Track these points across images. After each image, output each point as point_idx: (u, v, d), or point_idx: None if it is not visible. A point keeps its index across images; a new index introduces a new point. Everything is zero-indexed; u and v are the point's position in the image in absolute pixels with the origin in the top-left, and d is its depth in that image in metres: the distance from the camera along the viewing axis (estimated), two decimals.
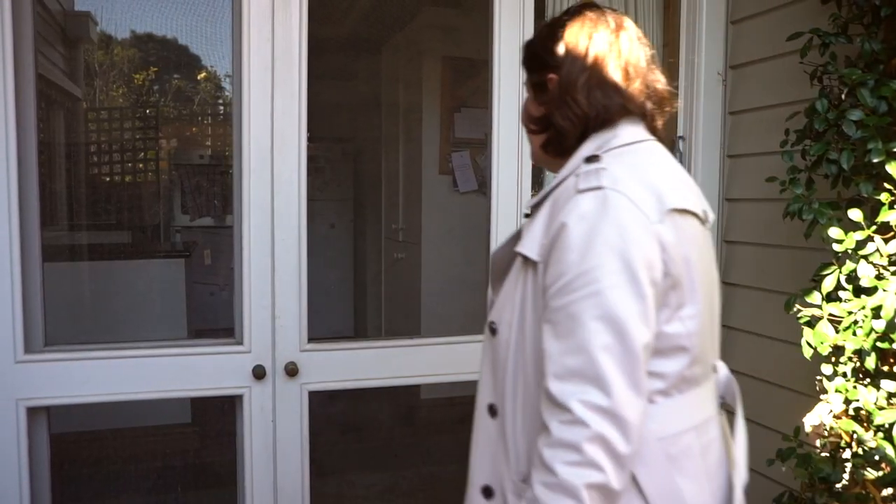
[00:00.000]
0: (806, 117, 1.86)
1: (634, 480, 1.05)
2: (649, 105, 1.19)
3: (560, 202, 1.09)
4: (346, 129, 7.00)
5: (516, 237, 1.18)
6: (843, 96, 1.78)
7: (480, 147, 4.74)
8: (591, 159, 1.11)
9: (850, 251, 1.70)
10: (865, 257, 1.69)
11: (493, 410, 1.18)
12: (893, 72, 1.76)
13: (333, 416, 4.01)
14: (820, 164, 1.80)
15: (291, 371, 1.99)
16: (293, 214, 1.99)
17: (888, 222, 1.66)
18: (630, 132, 1.16)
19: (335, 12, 6.10)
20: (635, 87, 1.17)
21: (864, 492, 1.67)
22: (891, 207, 1.65)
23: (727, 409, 1.26)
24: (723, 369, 1.25)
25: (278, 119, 1.97)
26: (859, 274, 1.68)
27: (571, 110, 1.15)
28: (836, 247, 1.72)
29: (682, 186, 1.15)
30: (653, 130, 1.20)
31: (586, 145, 1.15)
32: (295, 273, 1.99)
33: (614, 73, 1.16)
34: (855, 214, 1.70)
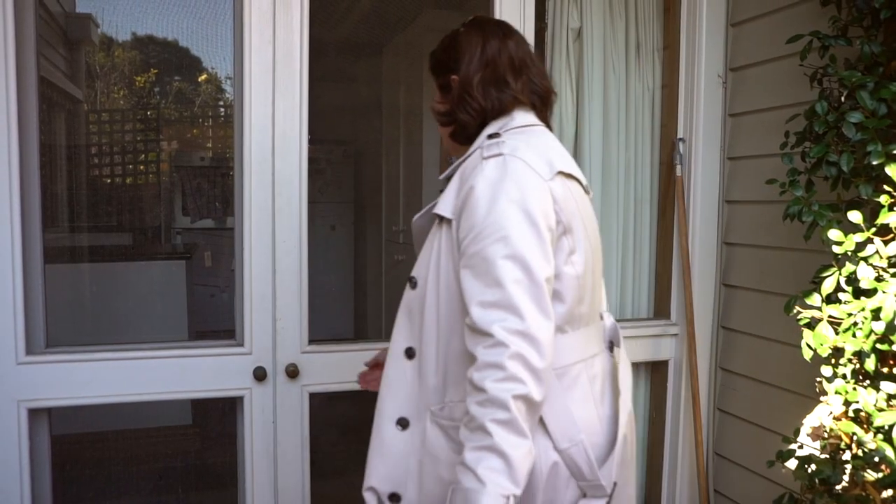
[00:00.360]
0: (806, 119, 1.86)
1: None
2: (535, 99, 1.41)
3: (468, 171, 1.29)
4: (346, 131, 7.01)
5: (433, 205, 1.35)
6: (842, 98, 1.78)
7: None
8: (493, 136, 1.32)
9: (849, 253, 1.71)
10: (865, 259, 1.69)
11: (409, 353, 1.35)
12: (893, 74, 1.76)
13: (334, 417, 4.01)
14: (820, 167, 1.80)
15: (292, 372, 1.99)
16: (294, 216, 1.99)
17: (888, 224, 1.66)
18: (523, 118, 1.37)
19: (336, 15, 6.11)
20: (522, 83, 1.39)
21: (864, 493, 1.67)
22: (890, 209, 1.65)
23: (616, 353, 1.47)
24: (609, 318, 1.49)
25: (279, 121, 1.97)
26: (859, 276, 1.68)
27: (470, 105, 1.37)
28: (835, 249, 1.73)
29: (568, 159, 1.36)
30: (543, 119, 1.43)
31: (487, 129, 1.35)
32: (296, 275, 2.00)
33: (504, 72, 1.37)
34: (854, 216, 1.70)
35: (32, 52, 1.84)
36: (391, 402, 1.35)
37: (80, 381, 1.87)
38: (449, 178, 1.36)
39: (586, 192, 1.40)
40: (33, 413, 1.86)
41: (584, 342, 1.35)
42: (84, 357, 1.88)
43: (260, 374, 1.98)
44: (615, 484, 1.31)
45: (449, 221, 1.28)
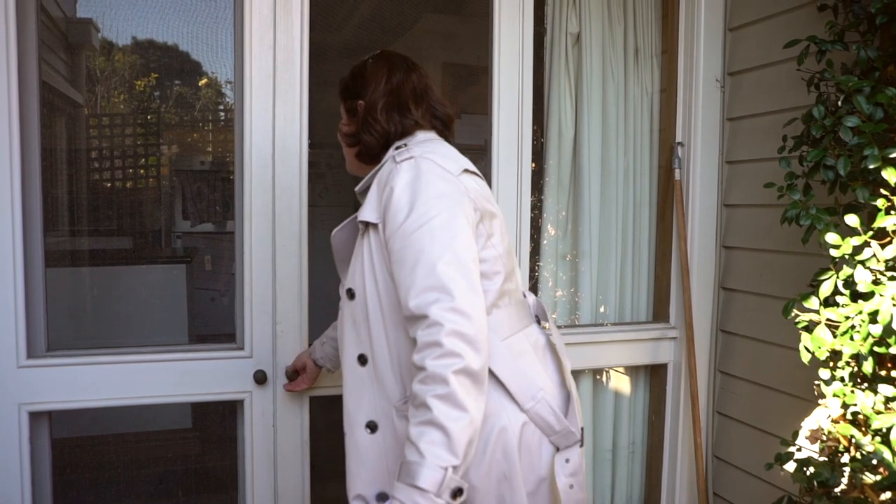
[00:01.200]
0: (803, 123, 1.87)
1: (492, 374, 1.36)
2: (437, 123, 1.55)
3: (384, 177, 1.39)
4: None
5: (354, 217, 1.46)
6: (839, 103, 1.79)
7: (480, 153, 4.75)
8: (400, 147, 1.44)
9: (847, 256, 1.71)
10: (862, 262, 1.70)
11: (362, 360, 1.42)
12: (889, 79, 1.77)
13: (334, 420, 4.00)
14: (817, 170, 1.81)
15: (292, 376, 2.00)
16: (294, 220, 2.00)
17: (885, 228, 1.67)
18: (425, 135, 1.50)
19: (336, 20, 6.13)
20: (423, 109, 1.52)
21: (862, 496, 1.68)
22: (887, 213, 1.66)
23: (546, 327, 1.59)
24: (531, 296, 1.61)
25: (280, 126, 1.98)
26: (856, 279, 1.69)
27: (373, 127, 1.49)
28: (833, 252, 1.74)
29: (469, 163, 1.46)
30: (444, 137, 1.55)
31: (391, 150, 1.45)
32: (296, 279, 2.01)
33: (407, 99, 1.50)
34: (852, 220, 1.71)
35: (34, 57, 1.85)
36: (357, 409, 1.43)
37: (81, 385, 1.87)
38: (365, 191, 1.47)
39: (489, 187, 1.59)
40: (34, 416, 1.87)
41: (519, 314, 1.48)
42: (85, 361, 1.89)
43: (260, 378, 1.98)
44: (582, 429, 1.45)
45: (375, 226, 1.37)
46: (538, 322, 1.58)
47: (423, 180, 1.32)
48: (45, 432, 1.93)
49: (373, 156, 1.51)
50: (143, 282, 3.35)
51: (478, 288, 1.27)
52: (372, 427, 1.41)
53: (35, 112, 1.85)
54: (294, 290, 2.01)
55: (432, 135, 1.52)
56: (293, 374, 1.97)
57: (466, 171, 1.41)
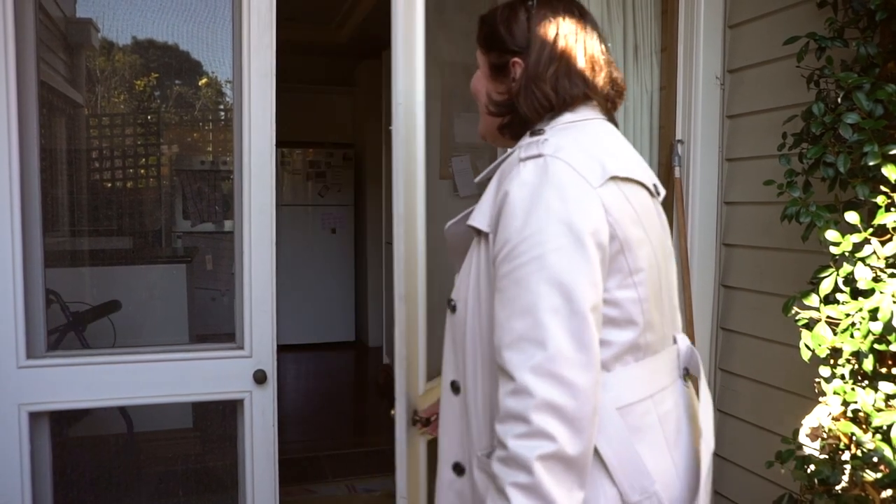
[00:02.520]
0: (803, 121, 1.87)
1: (595, 451, 1.04)
2: (612, 94, 1.22)
3: (505, 173, 1.11)
4: (347, 133, 7.02)
5: (469, 212, 1.18)
6: (839, 100, 1.79)
7: (480, 151, 4.75)
8: (536, 132, 1.13)
9: (847, 254, 1.71)
10: (862, 260, 1.69)
11: (455, 387, 1.18)
12: (889, 75, 1.77)
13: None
14: (817, 168, 1.80)
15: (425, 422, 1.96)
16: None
17: (885, 225, 1.66)
18: (575, 115, 1.17)
19: (336, 17, 6.12)
20: (601, 78, 1.19)
21: (863, 493, 1.67)
22: (887, 210, 1.66)
23: (692, 380, 1.26)
24: (683, 341, 1.25)
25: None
26: (856, 276, 1.69)
27: (538, 100, 1.15)
28: (833, 249, 1.73)
29: (627, 158, 1.15)
30: (607, 112, 1.23)
31: (526, 135, 1.16)
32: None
33: (582, 64, 1.17)
34: (852, 217, 1.71)
35: (33, 57, 1.85)
36: (447, 444, 1.21)
37: (81, 385, 1.87)
38: (488, 179, 1.19)
39: (654, 194, 1.20)
40: (34, 417, 1.87)
41: (652, 374, 1.14)
42: (85, 361, 1.89)
43: (260, 377, 1.98)
44: None
45: (486, 235, 1.10)
46: (686, 376, 1.23)
47: (546, 193, 1.02)
48: (46, 433, 1.93)
49: (525, 131, 1.18)
50: (143, 282, 3.35)
51: (591, 347, 0.98)
52: (458, 470, 1.18)
53: (34, 112, 1.85)
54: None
55: (590, 112, 1.18)
56: (426, 420, 1.62)
57: (615, 178, 1.08)
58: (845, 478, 1.74)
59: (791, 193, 1.85)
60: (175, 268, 3.57)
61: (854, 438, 1.73)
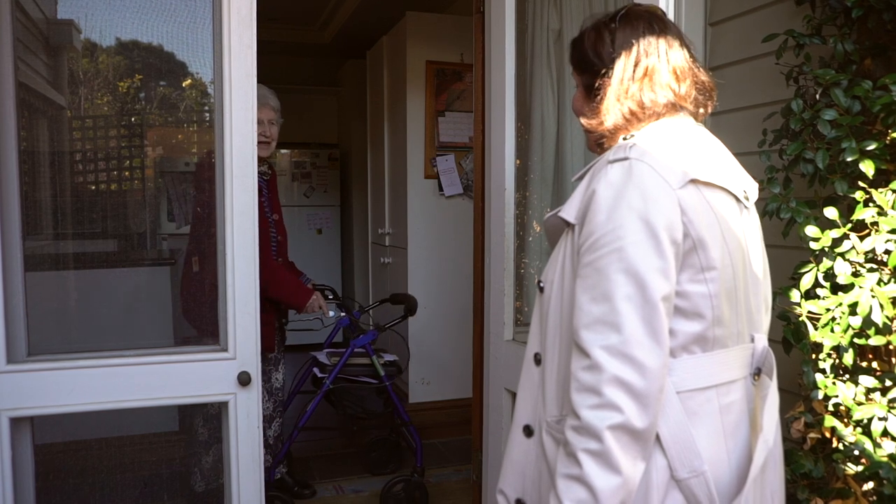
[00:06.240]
0: (782, 117, 1.88)
1: None
2: (700, 98, 1.32)
3: (595, 173, 1.22)
4: (332, 134, 7.01)
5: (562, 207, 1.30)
6: (817, 96, 1.80)
7: (465, 151, 4.75)
8: (626, 138, 1.25)
9: (826, 249, 1.72)
10: (842, 255, 1.71)
11: (537, 359, 1.31)
12: (866, 72, 1.78)
13: (318, 420, 3.99)
14: (797, 164, 1.82)
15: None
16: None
17: (863, 220, 1.68)
18: (669, 119, 1.28)
19: (320, 17, 6.11)
20: (685, 85, 1.29)
21: (845, 486, 1.69)
22: (865, 205, 1.67)
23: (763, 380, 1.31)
24: (761, 341, 1.31)
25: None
26: (836, 271, 1.70)
27: (625, 115, 1.27)
28: (813, 245, 1.74)
29: (712, 164, 1.24)
30: (694, 116, 1.33)
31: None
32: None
33: (666, 76, 1.27)
34: (831, 213, 1.72)
35: (10, 57, 1.83)
36: (521, 408, 1.35)
37: (64, 389, 1.86)
38: (581, 177, 1.30)
39: (740, 199, 1.29)
40: (15, 422, 1.85)
41: (719, 366, 1.21)
42: (67, 365, 1.87)
43: (244, 379, 1.97)
44: None
45: (573, 226, 1.23)
46: (756, 376, 1.29)
47: (630, 190, 1.13)
48: (28, 438, 1.92)
49: (618, 140, 1.29)
50: (127, 284, 3.33)
51: (661, 333, 1.09)
52: (528, 431, 1.32)
53: (11, 113, 1.84)
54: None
55: (678, 119, 1.28)
56: None
57: (695, 181, 1.18)
58: (827, 471, 1.75)
59: (771, 190, 1.86)
60: (159, 270, 3.55)
61: (835, 432, 1.74)
